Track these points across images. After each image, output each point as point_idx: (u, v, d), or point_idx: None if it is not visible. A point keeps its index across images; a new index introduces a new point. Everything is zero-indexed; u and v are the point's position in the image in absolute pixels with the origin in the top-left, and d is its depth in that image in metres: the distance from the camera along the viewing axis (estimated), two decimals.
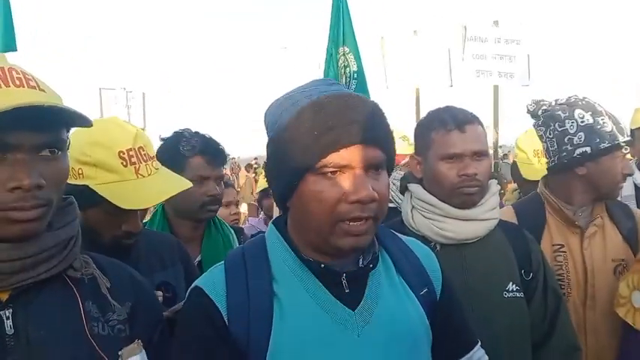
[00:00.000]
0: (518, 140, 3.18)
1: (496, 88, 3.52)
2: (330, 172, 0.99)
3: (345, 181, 0.99)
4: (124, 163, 1.43)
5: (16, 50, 2.45)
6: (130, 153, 1.45)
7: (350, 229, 1.00)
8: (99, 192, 1.39)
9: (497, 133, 3.54)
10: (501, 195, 3.50)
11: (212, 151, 1.99)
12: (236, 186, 13.53)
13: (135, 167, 1.45)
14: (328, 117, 0.99)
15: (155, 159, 1.54)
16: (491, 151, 3.75)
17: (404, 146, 3.28)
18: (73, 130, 1.06)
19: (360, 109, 1.01)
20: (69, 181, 1.33)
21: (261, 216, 4.08)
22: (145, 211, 1.59)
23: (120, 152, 1.43)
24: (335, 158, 0.98)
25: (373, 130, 1.01)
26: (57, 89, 1.04)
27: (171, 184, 1.56)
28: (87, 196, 1.38)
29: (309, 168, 0.99)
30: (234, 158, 19.90)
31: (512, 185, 3.57)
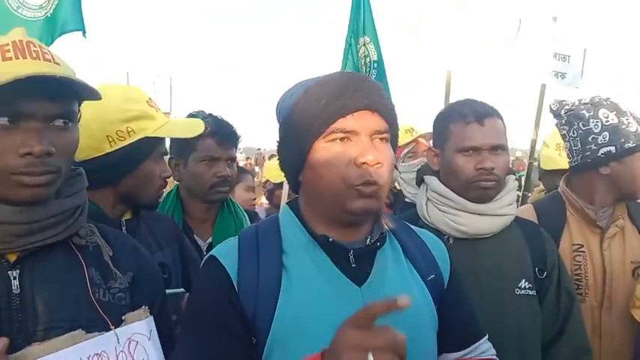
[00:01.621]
0: (546, 137, 3.19)
1: (543, 86, 3.39)
2: (339, 138, 1.03)
3: (353, 146, 1.03)
4: (155, 109, 1.55)
5: (85, 32, 2.44)
6: (151, 102, 1.56)
7: (362, 189, 1.03)
8: (161, 135, 1.52)
9: (537, 132, 3.42)
10: (527, 197, 3.44)
11: (223, 132, 1.99)
12: (260, 176, 13.62)
13: (161, 112, 1.58)
14: (335, 87, 1.05)
15: None
16: (528, 151, 3.65)
17: (405, 137, 3.34)
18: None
19: (365, 81, 1.08)
20: (115, 148, 1.44)
21: (265, 205, 4.01)
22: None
23: (147, 101, 1.54)
24: (342, 124, 1.03)
25: (378, 99, 1.06)
26: (84, 73, 1.07)
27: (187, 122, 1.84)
28: (140, 152, 1.48)
29: (318, 135, 1.04)
30: (259, 149, 20.04)
31: (540, 187, 3.53)
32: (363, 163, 1.01)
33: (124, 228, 1.52)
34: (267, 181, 3.75)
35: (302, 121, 1.06)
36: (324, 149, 1.04)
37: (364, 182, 1.02)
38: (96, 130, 1.42)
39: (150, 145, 1.50)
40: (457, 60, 3.47)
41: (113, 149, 1.45)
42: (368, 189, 1.03)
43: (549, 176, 2.99)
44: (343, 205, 1.05)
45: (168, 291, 1.35)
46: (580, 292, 1.82)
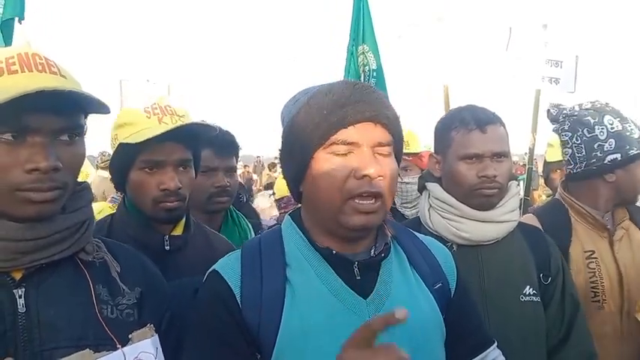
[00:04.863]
0: (550, 139, 3.29)
1: (538, 92, 3.41)
2: (340, 150, 1.02)
3: (354, 158, 1.02)
4: (148, 116, 1.50)
5: (23, 19, 2.50)
6: (154, 106, 1.52)
7: (359, 206, 1.02)
8: (125, 142, 1.46)
9: (534, 137, 3.44)
10: (528, 202, 3.44)
11: (221, 142, 1.96)
12: (259, 184, 13.60)
13: (158, 117, 1.49)
14: (338, 97, 1.03)
15: (183, 116, 1.55)
16: (527, 157, 3.66)
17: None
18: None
19: (369, 92, 1.06)
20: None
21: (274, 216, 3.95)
22: (187, 176, 1.54)
23: (145, 108, 1.52)
24: (344, 135, 1.02)
25: (381, 110, 1.04)
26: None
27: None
28: (122, 158, 1.48)
29: (319, 145, 1.03)
30: (258, 157, 20.02)
31: (547, 191, 3.55)
32: (364, 176, 1.00)
33: (166, 243, 1.49)
34: (283, 197, 3.65)
35: (303, 131, 1.04)
36: (325, 160, 1.03)
37: (363, 192, 1.01)
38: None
39: (127, 154, 1.46)
40: (453, 73, 3.50)
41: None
42: (367, 206, 1.02)
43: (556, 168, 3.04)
44: (339, 221, 1.03)
45: None
46: (597, 299, 1.80)
